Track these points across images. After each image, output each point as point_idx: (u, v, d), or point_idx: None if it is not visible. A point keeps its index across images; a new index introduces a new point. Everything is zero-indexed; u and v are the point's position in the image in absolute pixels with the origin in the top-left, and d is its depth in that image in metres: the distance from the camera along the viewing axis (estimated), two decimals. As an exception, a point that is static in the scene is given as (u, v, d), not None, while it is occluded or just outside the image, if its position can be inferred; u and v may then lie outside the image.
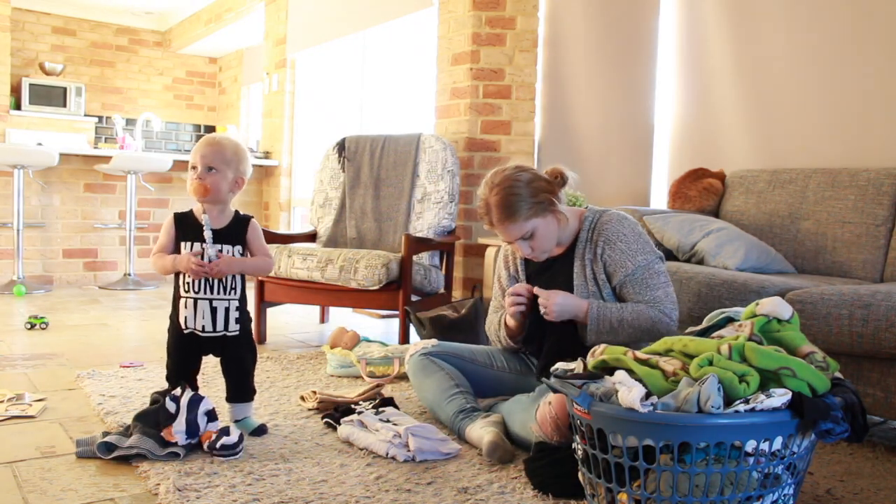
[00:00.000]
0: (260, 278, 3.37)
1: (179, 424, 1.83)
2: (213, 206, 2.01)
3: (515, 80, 3.90)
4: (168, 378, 2.05)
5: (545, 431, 1.76)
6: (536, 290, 2.02)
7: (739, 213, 3.02)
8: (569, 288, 2.08)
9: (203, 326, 1.99)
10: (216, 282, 1.98)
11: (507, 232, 2.01)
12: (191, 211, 2.05)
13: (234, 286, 2.01)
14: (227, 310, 2.00)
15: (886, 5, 2.77)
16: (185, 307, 1.99)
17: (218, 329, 2.00)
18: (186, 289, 1.99)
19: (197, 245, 1.98)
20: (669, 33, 3.54)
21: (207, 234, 1.97)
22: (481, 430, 1.92)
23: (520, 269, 2.24)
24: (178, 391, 1.91)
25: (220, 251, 1.98)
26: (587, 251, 2.08)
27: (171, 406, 1.87)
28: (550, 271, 2.15)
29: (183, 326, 2.00)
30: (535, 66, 3.91)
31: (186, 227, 2.01)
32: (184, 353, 2.04)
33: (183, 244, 1.99)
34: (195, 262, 1.93)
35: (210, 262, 1.95)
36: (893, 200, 2.62)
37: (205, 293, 1.98)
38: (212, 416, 1.89)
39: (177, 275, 2.01)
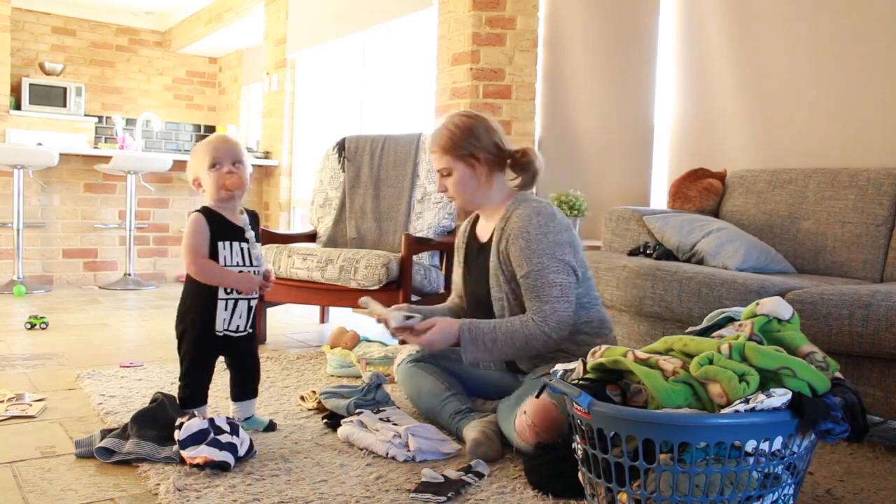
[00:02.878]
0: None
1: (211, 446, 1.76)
2: (235, 202, 1.99)
3: (515, 80, 3.90)
4: (185, 385, 1.97)
5: (526, 440, 1.77)
6: (414, 332, 2.03)
7: (739, 213, 3.02)
8: (488, 278, 2.12)
9: (238, 327, 1.99)
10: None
11: (433, 160, 2.16)
12: (208, 209, 1.97)
13: None
14: (255, 307, 2.03)
15: (886, 5, 2.77)
16: (225, 309, 1.95)
17: (248, 327, 2.02)
18: (228, 290, 1.95)
19: (236, 245, 1.96)
20: (669, 33, 3.54)
21: (256, 254, 1.99)
22: (471, 429, 1.93)
23: (461, 250, 2.28)
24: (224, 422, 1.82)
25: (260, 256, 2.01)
26: (501, 242, 2.08)
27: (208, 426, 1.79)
28: (480, 257, 2.19)
29: (219, 329, 1.96)
30: (535, 66, 3.91)
31: (218, 225, 1.95)
32: (209, 358, 2.00)
33: (221, 244, 1.94)
34: (262, 283, 1.97)
35: (261, 272, 1.99)
36: (893, 200, 2.62)
37: (246, 293, 1.98)
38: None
39: None
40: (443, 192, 2.16)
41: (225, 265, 1.94)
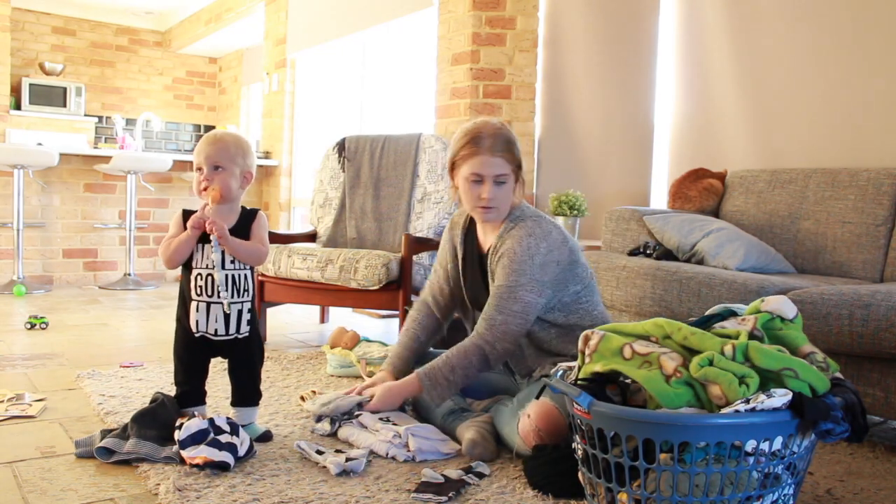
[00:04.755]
0: (260, 278, 3.37)
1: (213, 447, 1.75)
2: (222, 205, 1.94)
3: (515, 80, 3.90)
4: (177, 383, 2.00)
5: (529, 445, 1.76)
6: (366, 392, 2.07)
7: (739, 213, 3.02)
8: (487, 289, 2.10)
9: (216, 330, 1.93)
10: (230, 285, 1.92)
11: (491, 164, 2.00)
12: (191, 210, 1.96)
13: (246, 288, 1.96)
14: (239, 312, 1.95)
15: (886, 5, 2.77)
16: (197, 311, 1.92)
17: (230, 332, 1.94)
18: (199, 292, 1.91)
19: (206, 246, 1.92)
20: (669, 33, 3.54)
21: (216, 257, 1.89)
22: (466, 429, 1.93)
23: (458, 248, 2.23)
24: (224, 423, 1.81)
25: (223, 259, 1.92)
26: (493, 257, 2.08)
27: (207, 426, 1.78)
28: (479, 266, 2.17)
29: (194, 330, 1.93)
30: (535, 66, 3.91)
31: None
32: (193, 357, 1.98)
33: (195, 246, 1.92)
34: (197, 217, 1.88)
35: (217, 269, 1.90)
36: (893, 200, 2.62)
37: (218, 297, 1.92)
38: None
39: (187, 276, 1.94)
40: (487, 198, 2.02)
41: (195, 266, 1.92)
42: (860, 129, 2.85)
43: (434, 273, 2.33)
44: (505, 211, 2.08)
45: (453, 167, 2.09)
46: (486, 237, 2.17)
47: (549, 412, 1.74)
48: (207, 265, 1.92)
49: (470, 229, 2.24)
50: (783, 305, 1.51)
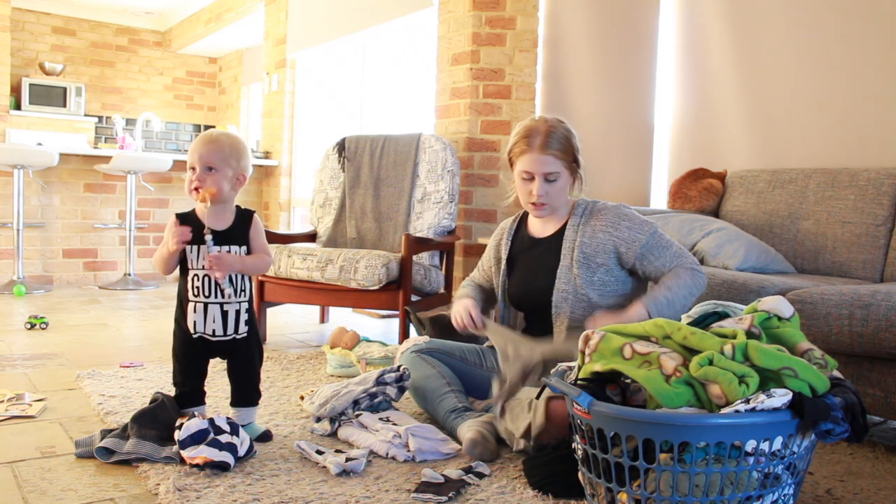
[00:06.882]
0: (260, 278, 3.37)
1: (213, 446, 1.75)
2: (214, 205, 1.93)
3: (515, 80, 3.90)
4: (175, 384, 1.99)
5: (556, 423, 1.75)
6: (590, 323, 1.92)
7: (739, 213, 3.02)
8: (552, 270, 2.10)
9: (214, 331, 1.93)
10: (227, 285, 1.93)
11: (540, 161, 2.04)
12: (193, 211, 1.97)
13: (243, 288, 1.96)
14: (237, 312, 1.95)
15: (886, 5, 2.77)
16: (195, 311, 1.92)
17: (228, 333, 1.94)
18: (196, 293, 1.91)
19: (204, 249, 1.91)
20: (669, 33, 3.54)
21: (210, 244, 1.88)
22: (467, 429, 1.93)
23: (503, 247, 2.26)
24: (224, 424, 1.81)
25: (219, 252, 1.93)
26: (580, 235, 2.09)
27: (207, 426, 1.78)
28: (535, 252, 2.18)
29: (192, 331, 1.93)
30: (535, 66, 3.91)
31: (190, 230, 1.93)
32: (192, 358, 1.97)
33: (188, 248, 1.92)
34: (181, 229, 1.88)
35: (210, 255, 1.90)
36: (893, 200, 2.62)
37: (215, 297, 1.92)
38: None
39: (184, 278, 1.94)
40: (539, 196, 2.06)
41: (192, 268, 1.93)
42: (860, 129, 2.85)
43: (479, 266, 2.39)
44: (558, 206, 2.13)
45: (511, 163, 2.15)
46: (546, 226, 2.19)
47: (559, 403, 1.74)
48: (202, 266, 1.90)
49: (519, 227, 2.28)
50: (780, 305, 1.51)
